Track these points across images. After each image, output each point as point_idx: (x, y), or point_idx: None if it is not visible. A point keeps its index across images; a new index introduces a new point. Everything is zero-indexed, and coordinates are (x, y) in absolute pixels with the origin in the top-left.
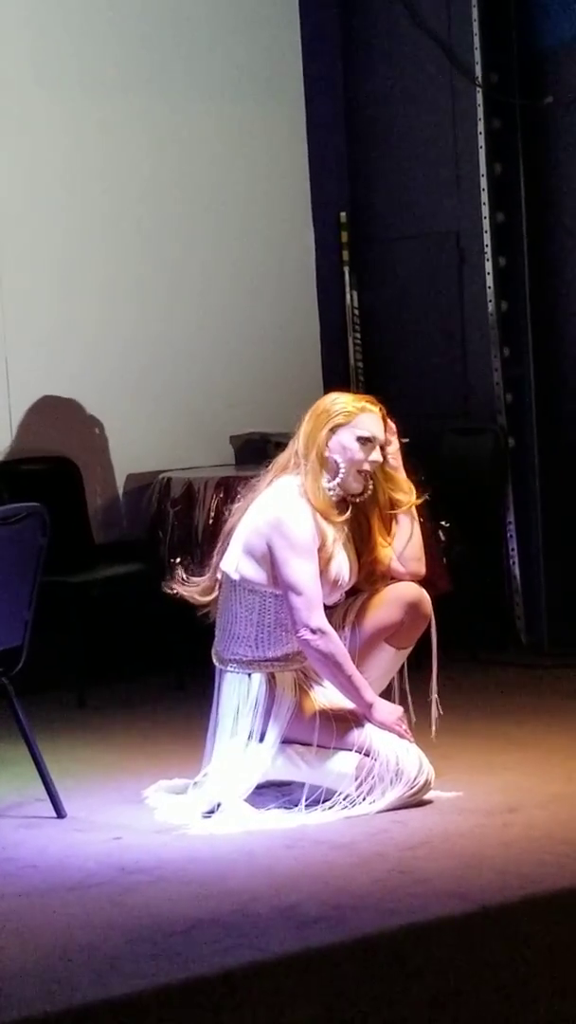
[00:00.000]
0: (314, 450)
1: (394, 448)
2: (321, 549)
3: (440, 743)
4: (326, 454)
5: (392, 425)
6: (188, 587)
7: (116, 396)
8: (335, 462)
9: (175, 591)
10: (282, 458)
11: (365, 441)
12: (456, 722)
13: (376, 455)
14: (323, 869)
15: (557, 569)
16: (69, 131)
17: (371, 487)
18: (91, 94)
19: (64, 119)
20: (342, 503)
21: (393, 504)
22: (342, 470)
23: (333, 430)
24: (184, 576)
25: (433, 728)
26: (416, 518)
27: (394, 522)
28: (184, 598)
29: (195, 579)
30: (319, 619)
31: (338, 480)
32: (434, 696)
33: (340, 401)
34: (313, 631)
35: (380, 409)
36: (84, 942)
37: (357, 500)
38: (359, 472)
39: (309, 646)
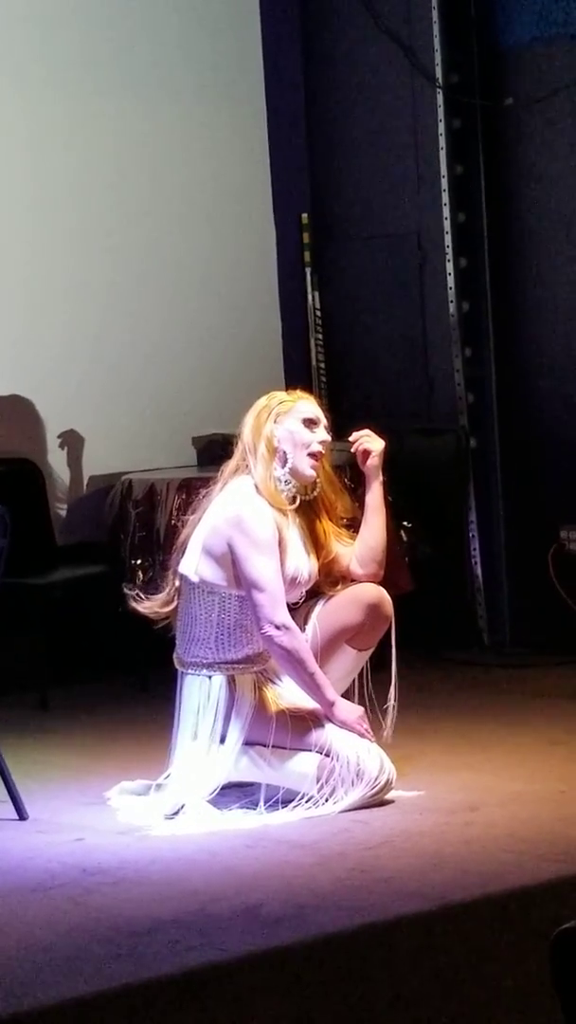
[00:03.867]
0: (262, 441)
1: (380, 447)
2: (279, 544)
3: (402, 743)
4: (275, 444)
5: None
6: (147, 604)
7: (78, 398)
8: (284, 452)
9: (134, 611)
10: (230, 465)
11: (310, 423)
12: (418, 722)
13: (323, 434)
14: (285, 869)
15: (519, 569)
16: (32, 133)
17: (319, 483)
18: (54, 96)
19: (27, 120)
20: (292, 498)
21: (334, 506)
22: (290, 457)
23: (277, 420)
24: (141, 595)
25: (388, 731)
26: (384, 518)
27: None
28: (144, 616)
29: (153, 596)
30: (283, 615)
31: (288, 467)
32: (392, 703)
33: (277, 395)
34: (277, 627)
35: (315, 398)
36: (46, 943)
37: (310, 496)
38: (310, 455)
39: (273, 642)
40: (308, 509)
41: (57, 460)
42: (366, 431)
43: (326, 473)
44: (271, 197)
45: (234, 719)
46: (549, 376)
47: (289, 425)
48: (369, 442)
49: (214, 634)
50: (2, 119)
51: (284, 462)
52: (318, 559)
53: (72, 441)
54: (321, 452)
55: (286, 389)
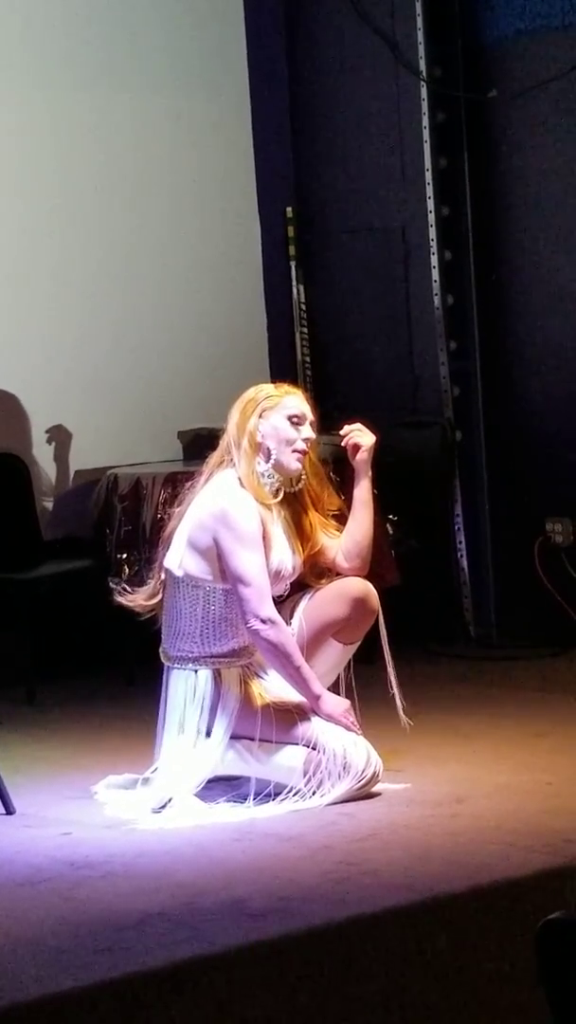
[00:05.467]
0: (246, 437)
1: (370, 441)
2: (263, 538)
3: (388, 736)
4: (258, 439)
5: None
6: (132, 597)
7: (64, 393)
8: (267, 447)
9: (120, 604)
10: (215, 457)
11: (295, 419)
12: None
13: (308, 431)
14: (272, 862)
15: (505, 562)
16: (17, 126)
17: (305, 476)
18: (38, 89)
19: (11, 114)
20: (276, 492)
21: (322, 500)
22: (274, 452)
23: (262, 415)
24: (127, 589)
25: (403, 719)
26: (372, 513)
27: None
28: (130, 608)
29: (138, 589)
30: (269, 609)
31: (272, 462)
32: (395, 691)
33: (264, 389)
34: (263, 621)
35: (304, 392)
36: (33, 937)
37: (295, 488)
38: (294, 452)
39: (259, 636)
40: (294, 501)
41: (43, 455)
42: (357, 425)
43: (312, 465)
44: (255, 191)
45: (220, 713)
46: (534, 368)
47: (274, 421)
48: (360, 436)
49: (199, 628)
50: None
51: (268, 457)
52: (303, 551)
53: (60, 436)
54: (306, 450)
55: (273, 383)
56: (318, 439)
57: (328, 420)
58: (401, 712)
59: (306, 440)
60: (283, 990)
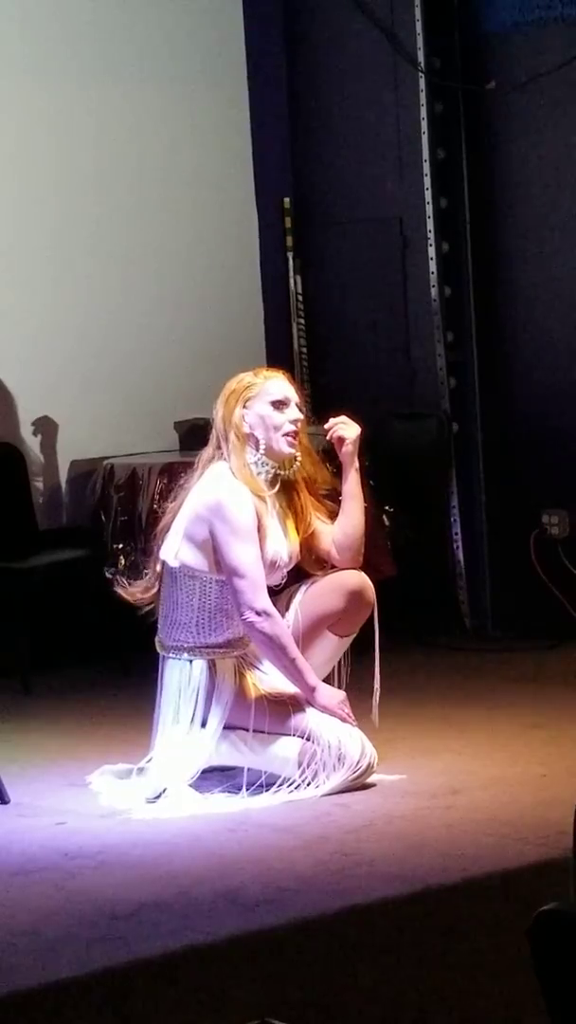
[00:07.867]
0: (232, 429)
1: (355, 433)
2: (258, 529)
3: (383, 727)
4: (245, 430)
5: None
6: (128, 591)
7: (60, 383)
8: (256, 437)
9: (118, 596)
10: (206, 453)
11: (279, 404)
12: (400, 706)
13: (295, 413)
14: (266, 852)
15: (501, 553)
16: (14, 118)
17: (299, 459)
18: (36, 80)
19: (8, 107)
20: (273, 480)
21: (314, 482)
22: (263, 441)
23: (246, 405)
24: (122, 581)
25: (375, 715)
26: (362, 505)
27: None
28: (128, 601)
29: (136, 582)
30: (263, 601)
31: (263, 450)
32: (376, 686)
33: (245, 378)
34: (258, 613)
35: (284, 373)
36: (28, 927)
37: (291, 472)
38: (284, 436)
39: (254, 628)
40: (287, 483)
41: (39, 444)
42: (342, 417)
43: (304, 446)
44: (253, 182)
45: (215, 703)
46: (531, 360)
47: (259, 409)
48: (344, 429)
49: (195, 618)
50: None
51: (257, 446)
52: (299, 534)
53: (46, 428)
54: (295, 431)
55: (252, 370)
56: (309, 425)
57: (324, 411)
58: (375, 705)
59: (294, 421)
60: (277, 980)
